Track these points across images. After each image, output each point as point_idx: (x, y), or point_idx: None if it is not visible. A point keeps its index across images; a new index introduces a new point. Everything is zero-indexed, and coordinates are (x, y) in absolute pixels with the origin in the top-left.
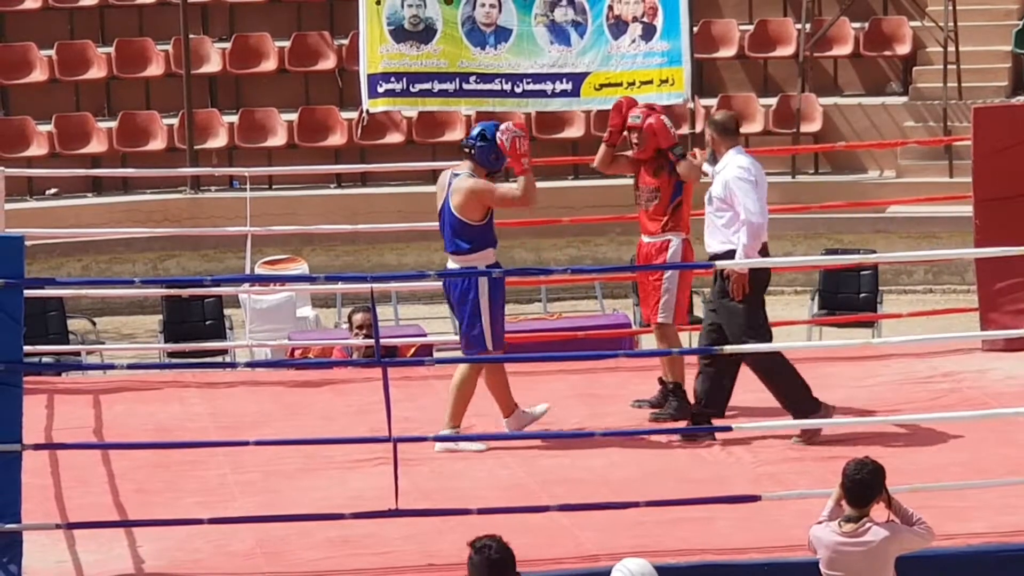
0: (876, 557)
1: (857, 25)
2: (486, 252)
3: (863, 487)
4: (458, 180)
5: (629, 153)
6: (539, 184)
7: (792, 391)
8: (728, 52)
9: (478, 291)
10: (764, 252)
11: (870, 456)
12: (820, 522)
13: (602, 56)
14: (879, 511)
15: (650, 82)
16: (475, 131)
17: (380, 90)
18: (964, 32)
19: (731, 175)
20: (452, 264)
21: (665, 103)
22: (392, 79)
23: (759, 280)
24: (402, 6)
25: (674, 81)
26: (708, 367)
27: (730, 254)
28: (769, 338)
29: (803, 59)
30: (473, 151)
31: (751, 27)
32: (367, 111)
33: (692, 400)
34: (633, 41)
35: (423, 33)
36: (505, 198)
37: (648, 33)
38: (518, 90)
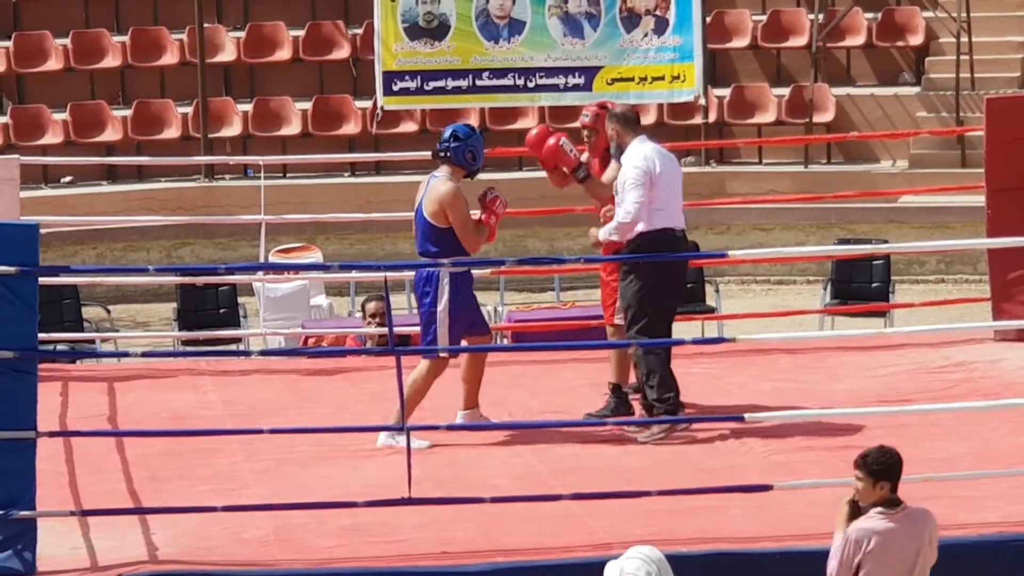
0: (919, 536)
1: (870, 15)
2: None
3: (896, 469)
4: (435, 183)
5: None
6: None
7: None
8: (741, 42)
9: (435, 299)
10: (674, 245)
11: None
12: (849, 529)
13: (615, 50)
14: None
15: (662, 78)
16: (446, 133)
17: (395, 88)
18: (977, 22)
19: (626, 168)
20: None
21: (677, 100)
22: (407, 77)
23: (658, 273)
24: (416, 3)
25: (685, 77)
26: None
27: (631, 244)
28: (651, 331)
29: (816, 49)
30: (448, 153)
31: (764, 17)
32: (381, 108)
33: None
34: (646, 35)
35: (437, 30)
36: (460, 227)
37: (661, 27)
38: (531, 85)
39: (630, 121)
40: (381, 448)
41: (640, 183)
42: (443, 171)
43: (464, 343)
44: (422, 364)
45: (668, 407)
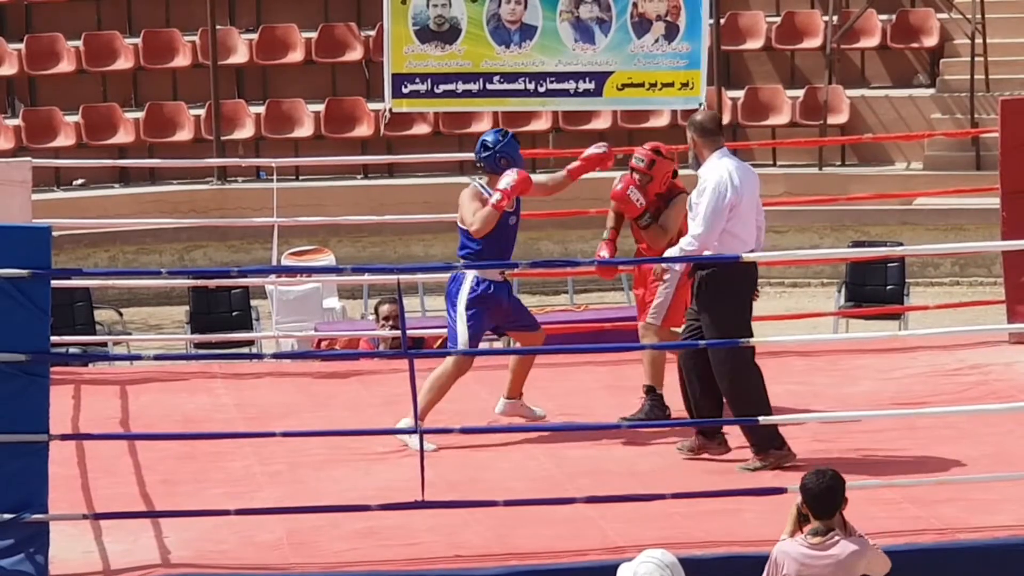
0: (844, 571)
1: (884, 17)
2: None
3: (828, 495)
4: (464, 191)
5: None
6: None
7: (748, 407)
8: (755, 44)
9: (456, 300)
10: (749, 275)
11: (827, 467)
12: (783, 540)
13: (625, 56)
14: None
15: (671, 84)
16: (478, 145)
17: (405, 90)
18: (992, 24)
19: (707, 187)
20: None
21: (682, 107)
22: (417, 80)
23: (735, 286)
24: (427, 6)
25: (693, 85)
26: (693, 373)
27: (702, 277)
28: (745, 371)
29: (830, 51)
30: (482, 164)
31: (778, 19)
32: (390, 110)
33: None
34: (656, 41)
35: (448, 33)
36: (468, 217)
37: (671, 33)
38: (541, 89)
39: (708, 131)
40: (394, 450)
41: (718, 209)
42: (484, 180)
43: (514, 341)
44: (446, 361)
45: (774, 444)
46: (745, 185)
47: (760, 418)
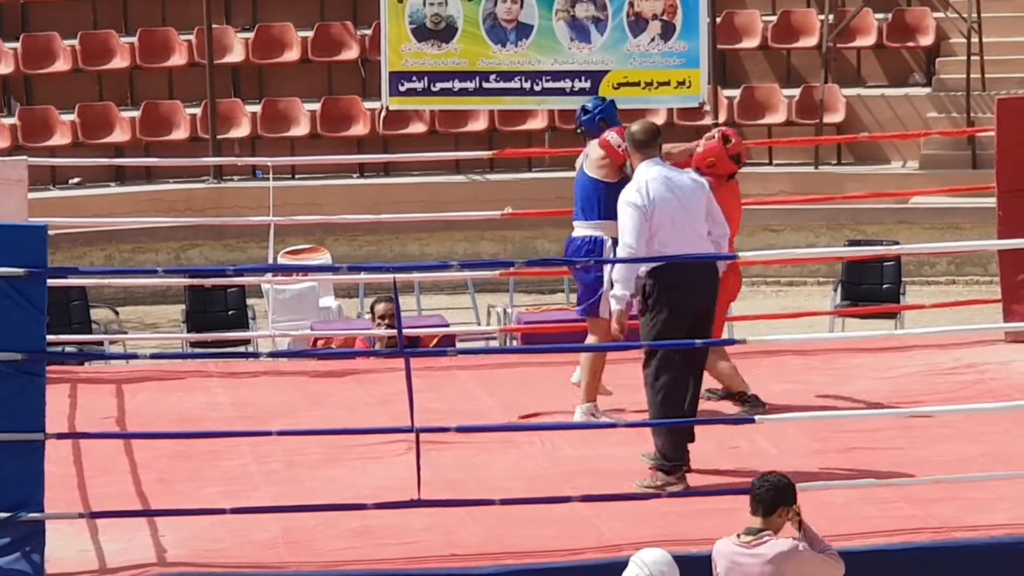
0: (771, 572)
1: (880, 16)
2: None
3: (765, 495)
4: (591, 148)
5: None
6: (563, 174)
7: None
8: (751, 43)
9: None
10: (690, 279)
11: (777, 471)
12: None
13: (621, 55)
14: (788, 532)
15: (667, 83)
16: (579, 111)
17: (402, 88)
18: (988, 23)
19: (622, 198)
20: (579, 232)
21: (680, 106)
22: (413, 78)
23: (668, 296)
24: (424, 4)
25: (691, 83)
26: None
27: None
28: (667, 376)
29: (826, 50)
30: (583, 128)
31: (774, 18)
32: (387, 108)
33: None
34: (652, 40)
35: (444, 32)
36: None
37: (667, 32)
38: (537, 88)
39: (638, 143)
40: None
41: (632, 219)
42: (591, 144)
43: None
44: (591, 337)
45: (665, 467)
46: (662, 197)
47: (756, 416)
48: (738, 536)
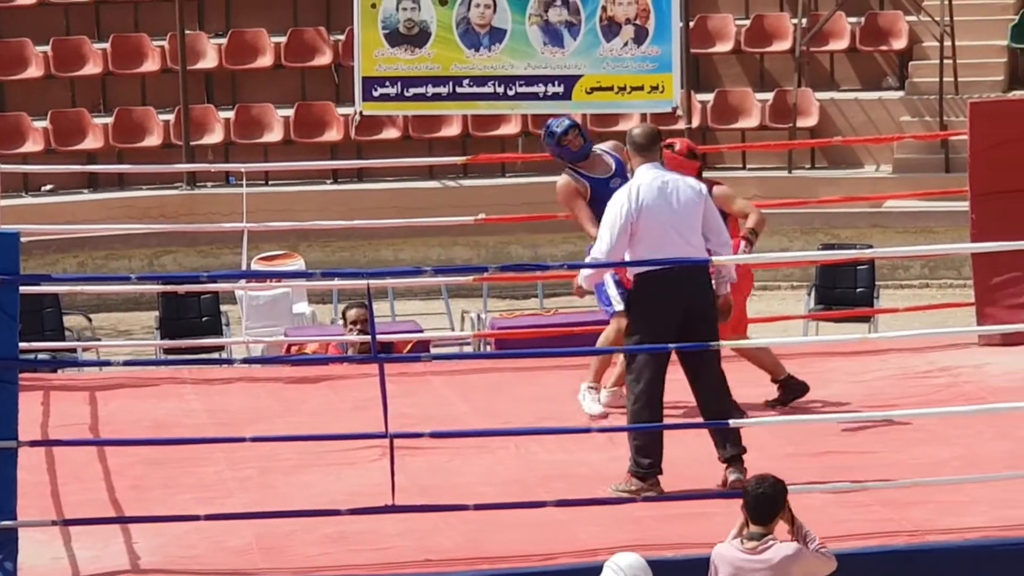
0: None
1: (853, 20)
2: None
3: (764, 502)
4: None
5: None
6: (536, 179)
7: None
8: (724, 47)
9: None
10: (672, 286)
11: (768, 475)
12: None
13: (594, 59)
14: (780, 531)
15: (641, 88)
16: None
17: (375, 94)
18: (960, 26)
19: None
20: None
21: (653, 110)
22: (387, 83)
23: (642, 301)
24: (397, 9)
25: (664, 88)
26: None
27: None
28: (644, 382)
29: (799, 54)
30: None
31: (747, 22)
32: (360, 113)
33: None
34: (625, 44)
35: (417, 36)
36: (576, 219)
37: (640, 36)
38: (510, 93)
39: (638, 146)
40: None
41: (615, 222)
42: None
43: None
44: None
45: (640, 472)
46: (652, 202)
47: (730, 421)
48: (741, 542)
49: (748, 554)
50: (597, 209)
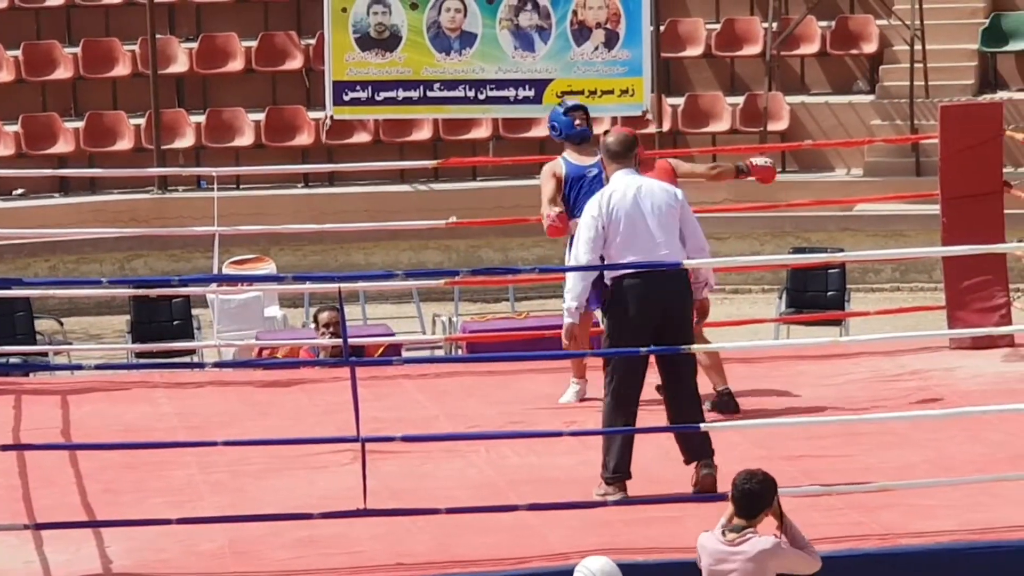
0: (754, 570)
1: (824, 24)
2: None
3: (750, 498)
4: None
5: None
6: (507, 183)
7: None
8: (695, 51)
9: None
10: (647, 288)
11: (762, 469)
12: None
13: (565, 63)
14: (768, 527)
15: (611, 92)
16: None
17: (346, 98)
18: (931, 30)
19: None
20: None
21: (624, 114)
22: (358, 87)
23: (615, 305)
24: (368, 13)
25: (634, 92)
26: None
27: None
28: (616, 385)
29: (770, 58)
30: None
31: (718, 26)
32: (331, 117)
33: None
34: (596, 48)
35: (388, 41)
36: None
37: (611, 41)
38: (481, 97)
39: (612, 153)
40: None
41: (588, 228)
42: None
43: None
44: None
45: (608, 477)
46: (623, 207)
47: (701, 425)
48: (723, 534)
49: (727, 545)
50: (569, 193)
